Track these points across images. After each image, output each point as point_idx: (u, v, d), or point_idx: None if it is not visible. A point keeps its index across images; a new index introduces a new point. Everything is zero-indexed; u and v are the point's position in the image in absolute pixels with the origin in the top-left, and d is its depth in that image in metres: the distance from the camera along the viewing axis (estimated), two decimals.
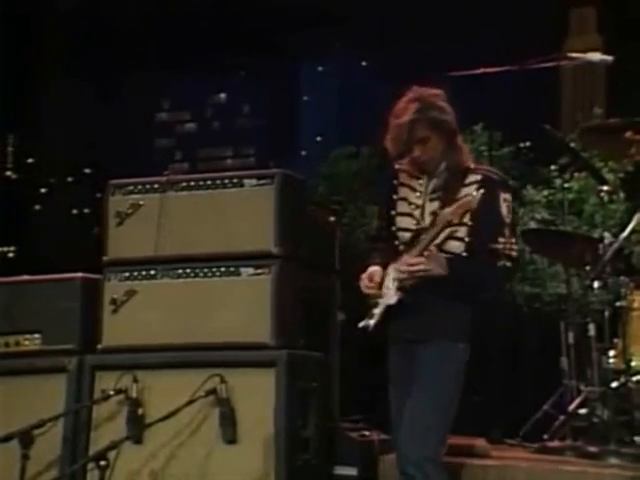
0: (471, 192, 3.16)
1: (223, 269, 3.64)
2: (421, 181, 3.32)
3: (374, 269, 3.31)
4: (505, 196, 3.24)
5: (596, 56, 4.13)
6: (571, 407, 4.01)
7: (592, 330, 4.03)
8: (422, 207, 3.27)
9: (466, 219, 3.15)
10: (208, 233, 3.67)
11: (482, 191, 3.11)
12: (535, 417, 4.18)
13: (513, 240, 3.14)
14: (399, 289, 3.21)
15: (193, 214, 3.71)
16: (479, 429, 3.94)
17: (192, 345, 3.59)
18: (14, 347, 3.83)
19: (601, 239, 4.09)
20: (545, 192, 5.43)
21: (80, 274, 3.87)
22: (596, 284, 3.89)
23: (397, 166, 3.39)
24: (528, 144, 5.91)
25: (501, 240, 3.13)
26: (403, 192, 3.34)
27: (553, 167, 5.41)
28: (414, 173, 3.35)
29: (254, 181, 3.68)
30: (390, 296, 3.23)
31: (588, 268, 4.04)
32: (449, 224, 3.12)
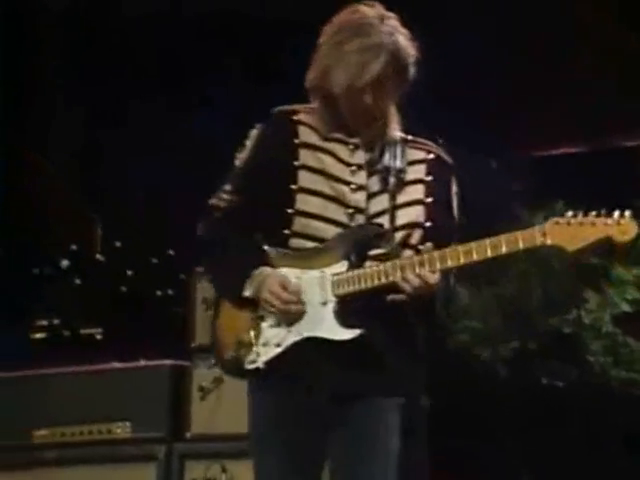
0: (420, 176, 2.24)
1: None
2: (351, 146, 2.21)
3: (282, 274, 2.16)
4: (456, 189, 2.29)
5: None
6: None
7: None
8: (366, 189, 2.20)
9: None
10: None
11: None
12: None
13: None
14: (344, 314, 2.11)
15: None
16: None
17: None
18: (105, 435, 3.82)
19: None
20: (634, 271, 5.24)
21: (169, 361, 3.87)
22: None
23: (295, 116, 2.23)
24: None
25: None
26: (313, 159, 2.20)
27: None
28: (334, 132, 2.21)
29: None
30: (325, 325, 2.10)
31: None
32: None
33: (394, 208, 2.19)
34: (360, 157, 2.24)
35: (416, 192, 2.25)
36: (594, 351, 4.94)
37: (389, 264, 2.14)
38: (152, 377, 3.79)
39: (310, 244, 2.21)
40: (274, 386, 2.22)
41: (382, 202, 2.21)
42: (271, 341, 2.19)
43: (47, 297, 6.45)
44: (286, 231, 2.21)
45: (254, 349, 2.20)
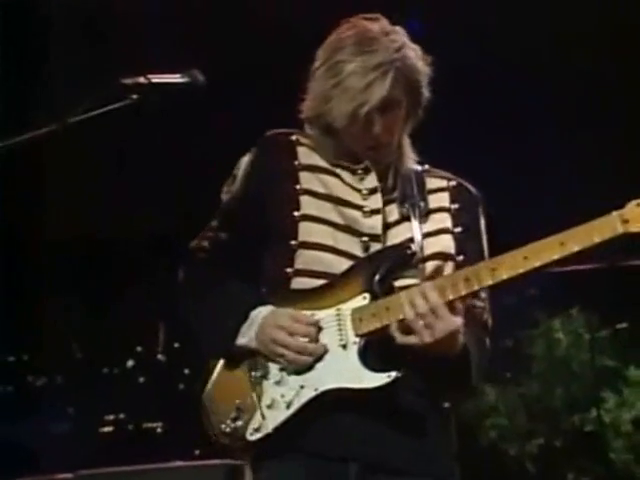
0: (445, 204, 1.81)
1: None
2: (360, 171, 1.76)
3: (289, 309, 1.65)
4: (484, 223, 1.83)
5: None
6: None
7: None
8: (383, 213, 1.74)
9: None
10: None
11: None
12: None
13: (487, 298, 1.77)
14: (372, 357, 1.57)
15: None
16: None
17: None
18: None
19: None
20: None
21: (226, 461, 3.90)
22: None
23: (292, 137, 1.80)
24: (625, 325, 5.72)
25: (483, 296, 1.76)
26: (317, 183, 1.76)
27: None
28: (338, 160, 1.76)
29: None
30: (349, 372, 1.56)
31: None
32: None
33: (421, 236, 1.73)
34: (372, 181, 1.77)
35: (442, 221, 1.80)
36: (616, 449, 4.87)
37: (427, 284, 1.60)
38: (209, 474, 3.83)
39: (315, 283, 1.69)
40: (288, 460, 1.64)
41: (404, 231, 1.73)
42: (279, 401, 1.61)
43: (114, 394, 6.56)
44: (288, 269, 1.70)
45: (257, 414, 1.62)
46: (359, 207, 1.74)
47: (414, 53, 1.78)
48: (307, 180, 1.77)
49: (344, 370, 1.61)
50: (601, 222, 1.59)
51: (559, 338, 5.20)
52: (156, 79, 1.70)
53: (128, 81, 1.67)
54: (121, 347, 6.69)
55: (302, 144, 1.80)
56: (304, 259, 1.71)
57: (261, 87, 5.01)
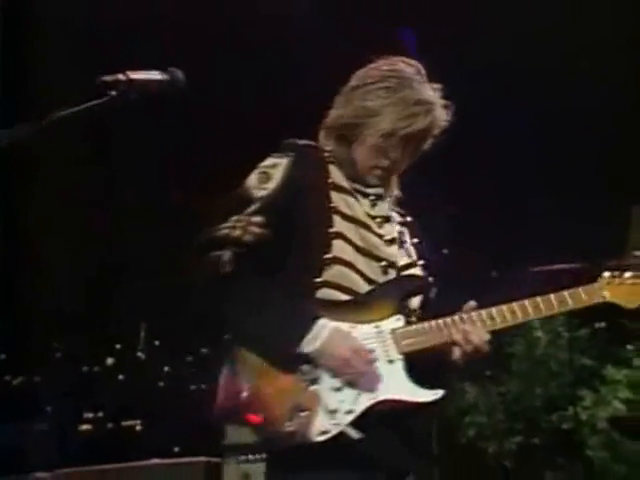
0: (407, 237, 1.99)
1: None
2: (372, 197, 1.88)
3: (348, 332, 1.73)
4: None
5: None
6: None
7: None
8: (396, 242, 1.90)
9: None
10: None
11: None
12: None
13: None
14: (416, 374, 1.72)
15: None
16: None
17: None
18: None
19: None
20: (624, 371, 5.15)
21: (203, 458, 3.80)
22: None
23: (325, 153, 1.88)
24: (603, 325, 5.68)
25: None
26: (344, 204, 1.84)
27: (630, 347, 5.15)
28: (350, 176, 1.86)
29: None
30: (402, 386, 1.69)
31: None
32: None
33: (418, 260, 1.90)
34: (383, 209, 1.90)
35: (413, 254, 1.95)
36: (592, 446, 4.81)
37: (457, 318, 1.77)
38: (188, 472, 3.73)
39: (341, 296, 1.77)
40: (341, 462, 1.69)
41: (402, 255, 1.88)
42: (341, 407, 1.69)
43: (93, 392, 6.43)
44: (316, 280, 1.76)
45: (319, 417, 1.67)
46: (379, 235, 1.85)
47: (443, 102, 1.90)
48: (336, 200, 1.85)
49: (397, 383, 1.73)
50: (588, 288, 1.97)
51: (538, 337, 5.14)
52: (135, 75, 1.64)
53: (108, 78, 1.61)
54: (101, 345, 6.57)
55: (331, 162, 1.88)
56: (333, 272, 1.78)
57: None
